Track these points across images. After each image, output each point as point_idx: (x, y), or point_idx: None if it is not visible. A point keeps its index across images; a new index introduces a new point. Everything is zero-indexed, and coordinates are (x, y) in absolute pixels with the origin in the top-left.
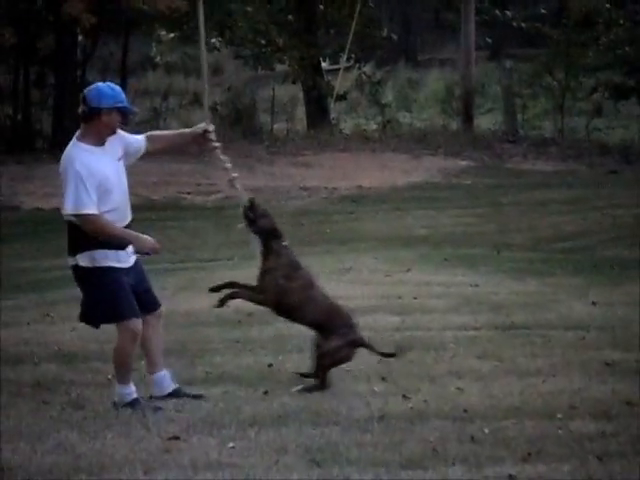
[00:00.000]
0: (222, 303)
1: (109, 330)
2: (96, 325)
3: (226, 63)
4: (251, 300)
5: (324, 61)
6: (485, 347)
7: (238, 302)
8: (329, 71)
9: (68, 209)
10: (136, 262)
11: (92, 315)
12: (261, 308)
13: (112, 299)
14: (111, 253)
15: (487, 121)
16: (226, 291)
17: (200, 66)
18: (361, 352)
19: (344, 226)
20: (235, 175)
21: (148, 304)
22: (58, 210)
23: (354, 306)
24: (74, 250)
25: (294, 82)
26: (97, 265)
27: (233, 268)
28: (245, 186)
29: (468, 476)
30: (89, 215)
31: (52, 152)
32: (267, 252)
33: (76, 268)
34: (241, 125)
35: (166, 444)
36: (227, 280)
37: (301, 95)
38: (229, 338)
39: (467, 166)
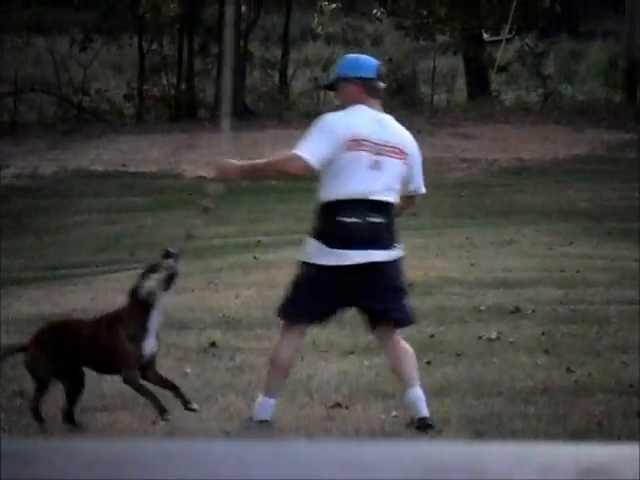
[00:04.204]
0: None
1: (271, 297)
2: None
3: (387, 34)
4: None
5: (485, 32)
6: None
7: None
8: (490, 42)
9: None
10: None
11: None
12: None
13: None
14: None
15: None
16: None
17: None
18: (518, 323)
19: (505, 198)
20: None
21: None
22: None
23: (515, 278)
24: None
25: (455, 53)
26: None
27: None
28: None
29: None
30: None
31: (214, 121)
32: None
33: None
34: (402, 96)
35: (328, 411)
36: None
37: (462, 66)
38: None
39: (630, 139)
